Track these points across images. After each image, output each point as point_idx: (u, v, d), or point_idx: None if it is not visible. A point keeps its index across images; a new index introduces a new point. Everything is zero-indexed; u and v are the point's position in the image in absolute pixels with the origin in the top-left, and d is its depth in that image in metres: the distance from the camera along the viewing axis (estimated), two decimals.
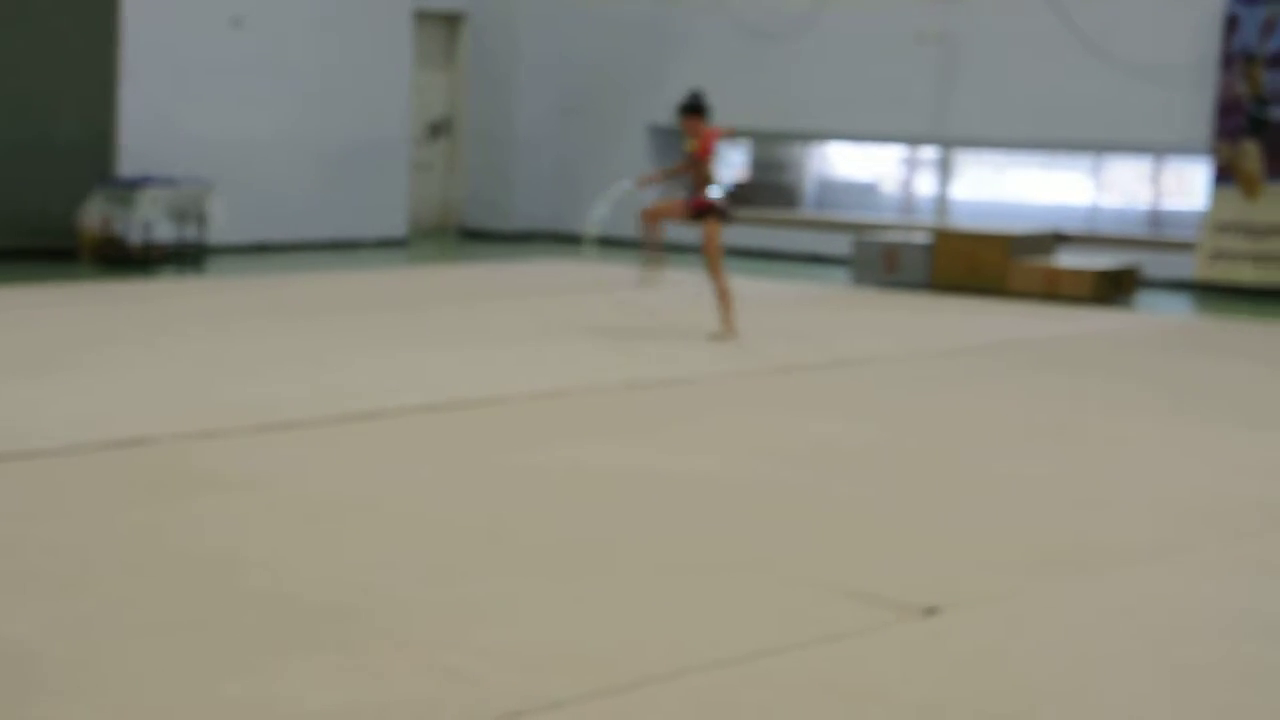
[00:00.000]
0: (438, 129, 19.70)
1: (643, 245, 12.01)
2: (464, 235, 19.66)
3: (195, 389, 9.00)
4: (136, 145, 15.96)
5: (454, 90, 19.79)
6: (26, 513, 6.36)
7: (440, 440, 8.01)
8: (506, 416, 8.62)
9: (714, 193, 11.42)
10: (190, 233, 15.51)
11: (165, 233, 15.53)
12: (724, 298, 11.45)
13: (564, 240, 19.16)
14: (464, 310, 12.89)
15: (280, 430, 8.00)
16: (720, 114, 18.49)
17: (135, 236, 15.41)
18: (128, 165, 15.86)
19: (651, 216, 11.82)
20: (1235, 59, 15.17)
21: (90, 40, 15.78)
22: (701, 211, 11.44)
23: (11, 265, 14.68)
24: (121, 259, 15.27)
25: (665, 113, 18.74)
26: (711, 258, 11.43)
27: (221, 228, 15.82)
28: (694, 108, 11.48)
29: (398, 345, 10.84)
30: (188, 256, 15.46)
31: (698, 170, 11.45)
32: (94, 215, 15.30)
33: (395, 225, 18.33)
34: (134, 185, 15.22)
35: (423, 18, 19.06)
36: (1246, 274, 15.03)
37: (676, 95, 18.55)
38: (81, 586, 5.40)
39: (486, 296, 13.85)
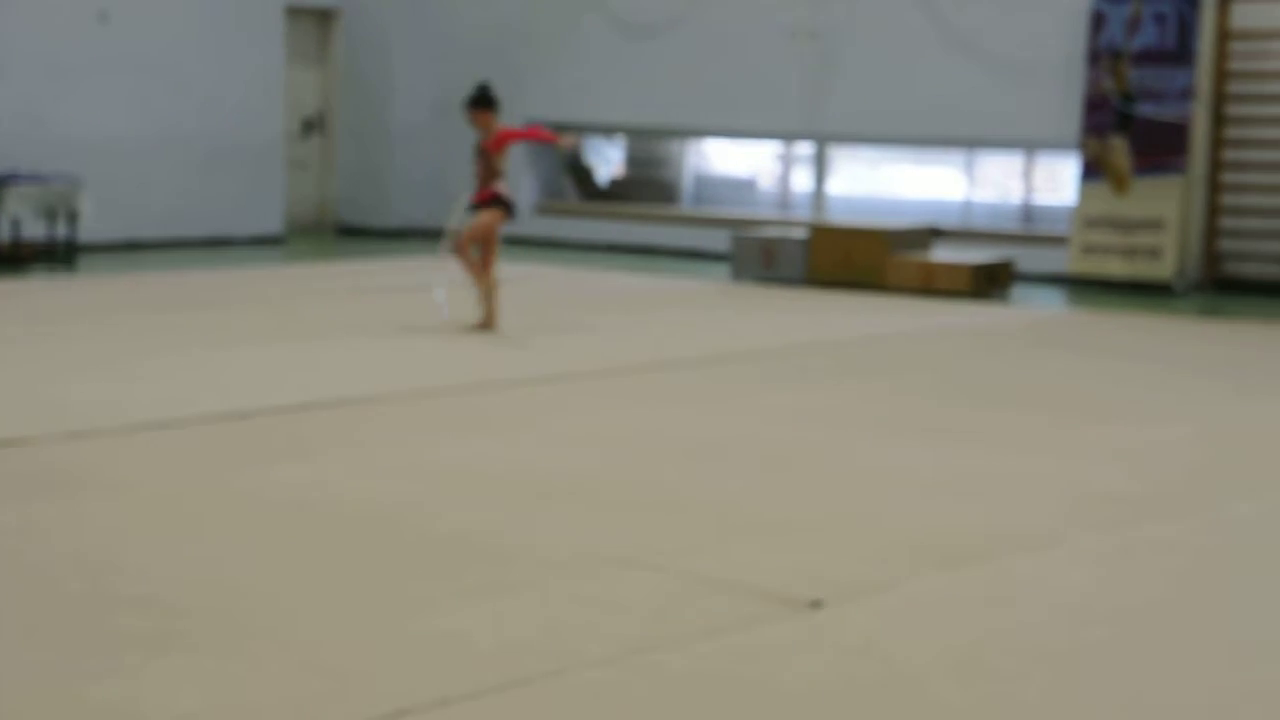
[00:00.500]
0: (311, 126, 19.52)
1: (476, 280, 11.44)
2: (341, 232, 19.50)
3: (57, 390, 8.85)
4: (2, 142, 15.66)
5: (327, 87, 19.62)
6: None
7: (318, 437, 7.93)
8: (383, 414, 8.55)
9: (501, 187, 11.28)
10: (61, 230, 15.25)
11: (35, 230, 15.27)
12: (483, 285, 11.34)
13: (440, 237, 19.04)
14: (340, 307, 12.78)
15: (149, 430, 7.89)
16: (597, 109, 18.58)
17: (4, 234, 15.14)
18: None
19: (467, 249, 11.38)
20: (1102, 56, 15.40)
21: None
22: (487, 203, 11.29)
23: None
24: None
25: (543, 109, 18.71)
26: (466, 245, 11.28)
27: (92, 225, 15.58)
28: (480, 100, 11.35)
29: (274, 343, 10.73)
30: (59, 255, 15.20)
31: (486, 164, 11.31)
32: None
33: (271, 222, 18.15)
34: (1, 183, 14.93)
35: (294, 13, 18.87)
36: (1116, 268, 15.27)
37: (552, 91, 18.67)
38: None
39: (362, 293, 13.74)
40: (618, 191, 19.33)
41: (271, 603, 5.26)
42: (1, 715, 4.27)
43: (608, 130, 19.16)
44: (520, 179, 18.90)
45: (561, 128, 19.13)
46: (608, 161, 19.60)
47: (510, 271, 15.63)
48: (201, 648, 4.80)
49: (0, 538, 5.96)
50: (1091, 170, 15.42)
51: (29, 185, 14.99)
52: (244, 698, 4.43)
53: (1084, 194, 15.45)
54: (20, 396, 8.67)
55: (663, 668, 4.76)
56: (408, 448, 7.73)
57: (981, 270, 14.60)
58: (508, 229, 12.08)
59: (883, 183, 18.12)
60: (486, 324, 11.39)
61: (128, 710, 4.33)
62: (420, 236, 19.14)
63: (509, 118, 18.74)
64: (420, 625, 5.08)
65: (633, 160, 19.47)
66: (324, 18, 19.46)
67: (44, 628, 4.95)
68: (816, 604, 5.37)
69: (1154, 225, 15.10)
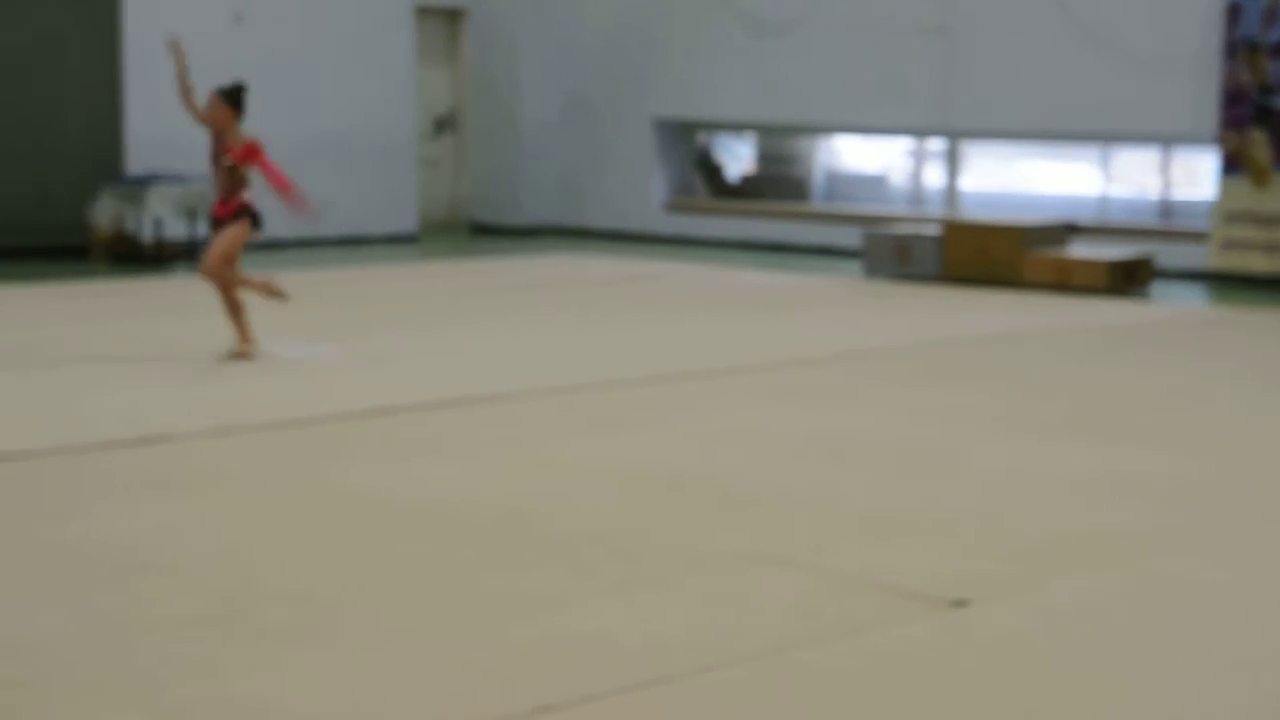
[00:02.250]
0: (443, 125, 19.67)
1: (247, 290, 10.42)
2: (474, 230, 19.64)
3: (178, 389, 9.00)
4: (143, 143, 15.93)
5: (457, 86, 19.76)
6: None
7: (446, 436, 7.98)
8: (511, 412, 8.58)
9: (247, 196, 10.18)
10: (201, 229, 15.49)
11: (176, 230, 15.54)
12: (239, 307, 10.23)
13: (572, 234, 19.15)
14: (477, 300, 12.85)
15: (278, 429, 7.99)
16: (726, 106, 18.54)
17: (147, 234, 15.42)
18: (135, 163, 15.83)
19: (231, 279, 10.24)
20: (1239, 48, 15.12)
21: (93, 39, 15.76)
22: (232, 216, 10.14)
23: (25, 263, 14.74)
24: (134, 256, 15.30)
25: (669, 106, 18.73)
26: (228, 265, 10.17)
27: None
28: (230, 96, 10.19)
29: (404, 339, 10.83)
30: (199, 253, 15.42)
31: (231, 175, 10.14)
32: (104, 213, 15.31)
33: (406, 221, 18.32)
34: (143, 183, 15.20)
35: (423, 13, 19.03)
36: (1258, 263, 14.98)
37: (681, 89, 18.66)
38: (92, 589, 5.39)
39: (497, 291, 13.82)
40: (748, 189, 19.29)
41: (409, 602, 5.29)
42: (152, 708, 4.33)
43: (737, 127, 19.12)
44: (650, 176, 18.93)
45: (690, 125, 19.18)
46: (738, 159, 19.56)
47: (640, 269, 15.66)
48: (341, 644, 4.85)
49: (156, 534, 6.08)
50: (1231, 164, 15.15)
51: (168, 185, 15.25)
52: (385, 694, 4.46)
53: (1224, 188, 15.18)
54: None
55: (807, 666, 4.72)
56: (541, 446, 7.75)
57: (1119, 266, 14.39)
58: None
59: (1016, 178, 17.92)
60: (243, 348, 10.15)
61: (270, 707, 4.38)
62: (552, 234, 19.24)
63: (639, 114, 18.87)
64: (560, 623, 5.08)
65: (763, 157, 19.41)
66: (452, 17, 19.60)
67: (192, 622, 5.03)
68: (960, 603, 5.31)
69: None
